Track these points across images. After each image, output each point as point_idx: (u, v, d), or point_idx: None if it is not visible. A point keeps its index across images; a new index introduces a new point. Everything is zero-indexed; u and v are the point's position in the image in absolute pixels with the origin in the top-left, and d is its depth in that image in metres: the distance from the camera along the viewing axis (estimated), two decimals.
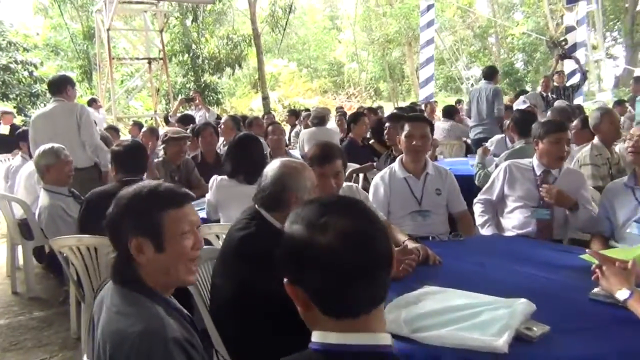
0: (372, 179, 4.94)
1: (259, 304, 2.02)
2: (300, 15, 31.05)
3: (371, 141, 5.90)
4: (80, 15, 16.96)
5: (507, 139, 5.84)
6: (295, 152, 7.19)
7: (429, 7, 15.58)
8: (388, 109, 16.60)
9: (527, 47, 28.66)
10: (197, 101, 9.20)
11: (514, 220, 3.22)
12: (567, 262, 2.32)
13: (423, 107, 10.56)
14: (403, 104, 24.86)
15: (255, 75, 21.28)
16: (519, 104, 7.16)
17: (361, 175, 5.12)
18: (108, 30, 10.58)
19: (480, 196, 3.43)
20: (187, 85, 15.30)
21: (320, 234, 0.96)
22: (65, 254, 2.95)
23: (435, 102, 13.58)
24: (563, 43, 11.56)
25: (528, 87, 31.42)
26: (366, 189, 3.64)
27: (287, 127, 9.35)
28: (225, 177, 3.33)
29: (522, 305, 1.73)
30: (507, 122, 6.13)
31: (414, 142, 3.13)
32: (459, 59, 20.97)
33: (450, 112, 8.13)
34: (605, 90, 12.00)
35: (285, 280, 1.03)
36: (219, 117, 10.43)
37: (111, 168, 3.32)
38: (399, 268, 2.14)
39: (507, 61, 29.31)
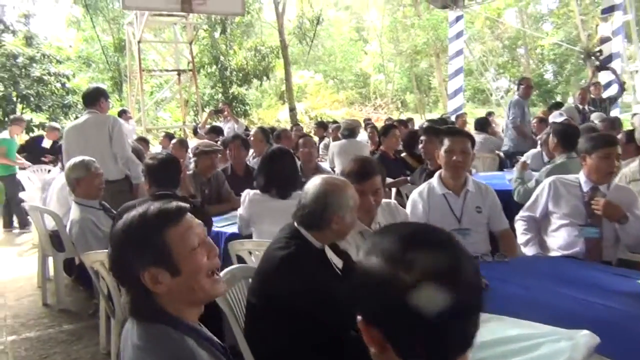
0: (405, 193, 4.86)
1: (297, 326, 1.93)
2: (326, 27, 31.11)
3: (403, 154, 5.78)
4: (111, 28, 17.29)
5: (544, 154, 5.68)
6: (325, 165, 7.13)
7: (458, 19, 15.39)
8: (415, 120, 16.44)
9: (557, 58, 28.17)
10: (226, 113, 9.21)
11: (559, 240, 3.06)
12: (624, 288, 2.16)
13: (453, 119, 10.37)
14: (430, 115, 24.67)
15: (282, 86, 21.38)
16: (556, 117, 6.95)
17: (393, 190, 5.01)
18: (139, 42, 10.71)
19: (522, 213, 3.28)
20: (215, 97, 15.41)
21: (404, 271, 0.84)
22: (96, 269, 2.92)
23: (465, 113, 13.38)
24: (598, 54, 11.29)
25: (558, 99, 30.99)
26: (400, 204, 3.52)
27: (314, 139, 9.26)
28: (257, 191, 3.26)
29: (584, 338, 1.59)
30: (542, 135, 5.96)
31: (454, 158, 3.00)
32: (487, 70, 20.69)
33: (483, 125, 7.98)
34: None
35: (358, 318, 0.91)
36: (247, 129, 10.45)
37: (145, 181, 3.27)
38: None
39: (536, 72, 28.81)
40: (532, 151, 6.00)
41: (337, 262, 2.19)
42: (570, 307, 1.97)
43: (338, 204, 2.04)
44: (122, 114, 10.69)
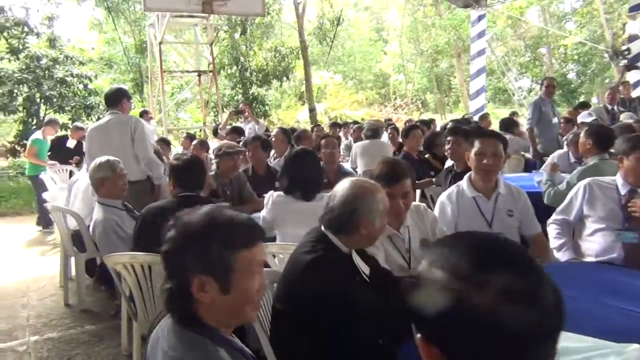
0: (430, 195, 4.76)
1: (322, 333, 1.86)
2: (346, 28, 31.04)
3: (426, 155, 5.68)
4: (132, 30, 17.43)
5: (570, 154, 5.54)
6: (346, 166, 7.04)
7: (480, 18, 15.17)
8: (437, 121, 16.24)
9: (581, 58, 27.66)
10: (247, 113, 9.19)
11: (595, 245, 2.93)
12: None
13: (476, 119, 10.20)
14: (450, 116, 24.42)
15: (301, 87, 21.34)
16: (584, 117, 6.79)
17: (417, 192, 4.91)
18: (160, 43, 10.76)
19: (555, 216, 3.16)
20: (236, 98, 15.41)
21: (477, 291, 0.76)
22: (118, 270, 2.88)
23: (488, 114, 13.19)
24: (626, 53, 11.01)
25: (582, 99, 30.42)
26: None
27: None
28: (281, 193, 3.19)
29: (636, 352, 1.49)
30: (568, 135, 5.82)
31: (484, 161, 2.90)
32: (509, 70, 20.38)
33: (508, 125, 7.82)
34: None
35: (418, 335, 0.85)
36: (267, 130, 10.41)
37: (169, 182, 3.23)
38: None
39: (559, 72, 28.33)
40: (559, 152, 5.87)
41: (364, 268, 2.11)
42: (617, 319, 1.87)
43: (367, 208, 1.96)
44: (144, 114, 10.72)
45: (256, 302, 1.36)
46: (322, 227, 2.05)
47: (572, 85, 28.38)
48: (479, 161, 2.92)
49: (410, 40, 27.89)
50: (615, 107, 8.35)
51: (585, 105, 9.62)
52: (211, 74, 11.86)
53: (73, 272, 4.93)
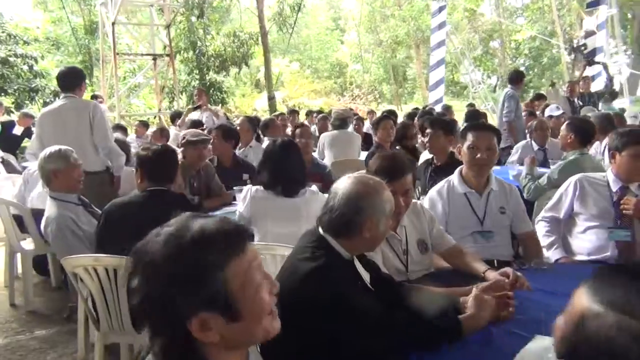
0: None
1: (323, 346, 1.65)
2: (303, 15, 30.63)
3: (397, 147, 5.52)
4: (82, 9, 16.48)
5: (534, 143, 5.56)
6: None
7: (441, 9, 15.22)
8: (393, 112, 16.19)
9: (532, 52, 28.36)
10: (202, 104, 8.74)
11: (586, 243, 2.84)
12: None
13: (439, 110, 10.16)
14: (406, 107, 24.49)
15: (257, 74, 20.86)
16: (553, 110, 6.82)
17: None
18: (113, 24, 10.13)
19: (545, 213, 3.05)
20: (192, 84, 14.83)
21: None
22: (77, 273, 2.56)
23: (450, 106, 13.26)
24: (582, 48, 11.25)
25: (532, 93, 31.27)
26: None
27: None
28: (260, 187, 2.94)
29: None
30: (531, 124, 5.83)
31: (478, 155, 2.74)
32: (462, 63, 20.60)
33: (475, 117, 7.75)
34: (622, 97, 11.63)
35: None
36: (227, 118, 10.03)
37: (136, 174, 2.91)
38: (501, 312, 1.76)
39: (512, 66, 28.97)
40: (521, 143, 5.88)
41: (364, 273, 1.90)
42: None
43: (372, 208, 1.74)
44: (94, 99, 10.14)
45: (273, 310, 1.10)
46: (321, 230, 1.81)
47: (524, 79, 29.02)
48: (472, 155, 2.76)
49: (368, 30, 27.80)
50: (576, 100, 8.49)
51: (541, 97, 9.76)
52: (167, 57, 11.32)
53: (20, 270, 4.55)
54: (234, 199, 4.06)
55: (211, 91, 14.50)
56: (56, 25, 17.43)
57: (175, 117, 8.50)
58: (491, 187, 2.82)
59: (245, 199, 2.94)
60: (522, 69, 30.96)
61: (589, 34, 11.53)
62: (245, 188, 2.99)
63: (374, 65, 28.64)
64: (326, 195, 1.84)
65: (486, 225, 2.78)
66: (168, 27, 11.17)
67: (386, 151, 2.51)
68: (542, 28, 26.58)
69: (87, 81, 14.30)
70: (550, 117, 6.66)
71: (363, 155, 6.40)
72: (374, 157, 2.23)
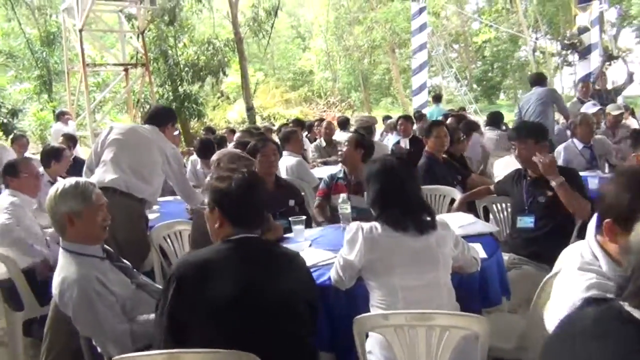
0: (484, 206, 3.85)
1: None
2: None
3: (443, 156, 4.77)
4: (36, 19, 15.09)
5: (576, 141, 5.01)
6: (334, 168, 6.05)
7: (421, 10, 14.67)
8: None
9: (500, 54, 28.36)
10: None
11: None
12: None
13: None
14: (377, 112, 23.85)
15: (221, 85, 19.77)
16: (589, 107, 6.29)
17: (458, 202, 3.93)
18: (81, 31, 9.01)
19: None
20: (165, 96, 13.70)
21: None
22: None
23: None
24: (578, 44, 10.91)
25: (503, 95, 31.45)
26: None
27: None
28: (377, 225, 2.10)
29: None
30: (572, 123, 5.28)
31: None
32: (449, 66, 20.23)
33: (497, 120, 7.18)
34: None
35: None
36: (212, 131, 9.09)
37: (210, 215, 2.02)
38: None
39: (481, 69, 29.02)
40: (562, 145, 5.30)
41: None
42: None
43: None
44: (61, 116, 9.05)
45: None
46: (621, 302, 1.04)
47: (492, 82, 29.11)
48: None
49: (334, 36, 27.19)
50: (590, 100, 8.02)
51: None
52: (142, 67, 10.23)
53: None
54: (285, 231, 3.25)
55: (186, 104, 13.43)
56: (6, 38, 15.93)
57: None
58: None
59: (355, 242, 2.09)
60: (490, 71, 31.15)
61: (583, 30, 11.19)
62: (352, 227, 2.14)
63: (341, 72, 28.01)
64: None
65: None
66: (142, 33, 10.11)
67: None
68: (509, 27, 26.58)
69: (46, 97, 12.89)
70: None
71: None
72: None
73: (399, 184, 2.14)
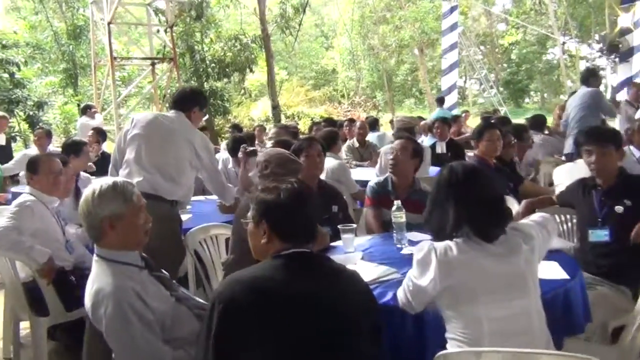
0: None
1: None
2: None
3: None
4: (64, 12, 15.05)
5: (633, 149, 4.63)
6: (364, 172, 5.79)
7: (452, 9, 14.34)
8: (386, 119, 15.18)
9: (526, 57, 27.80)
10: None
11: None
12: None
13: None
14: (401, 113, 23.51)
15: (246, 82, 19.57)
16: None
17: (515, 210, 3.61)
18: (109, 24, 8.86)
19: None
20: None
21: None
22: None
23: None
24: (620, 46, 10.49)
25: (527, 98, 30.85)
26: None
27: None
28: (451, 244, 1.82)
29: None
30: (630, 129, 4.90)
31: None
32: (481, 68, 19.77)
33: (540, 123, 6.83)
34: None
35: None
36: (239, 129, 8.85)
37: (254, 229, 1.79)
38: None
39: (509, 71, 28.45)
40: None
41: None
42: None
43: None
44: (87, 109, 8.92)
45: None
46: None
47: (520, 85, 28.55)
48: None
49: (359, 35, 26.89)
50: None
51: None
52: (169, 62, 10.05)
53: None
54: (331, 239, 2.99)
55: (212, 100, 13.22)
56: (34, 31, 15.94)
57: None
58: None
59: (428, 263, 1.81)
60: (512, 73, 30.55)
61: (625, 31, 10.73)
62: (423, 247, 1.85)
63: (366, 71, 27.69)
64: None
65: None
66: (171, 27, 9.93)
67: None
68: (536, 32, 26.03)
69: (71, 91, 12.76)
70: None
71: (433, 170, 5.37)
72: None
73: (480, 196, 1.86)
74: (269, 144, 4.23)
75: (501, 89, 28.08)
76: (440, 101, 12.13)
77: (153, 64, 10.26)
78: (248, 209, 2.69)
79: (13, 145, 11.33)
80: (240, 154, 4.28)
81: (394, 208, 2.91)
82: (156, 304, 2.02)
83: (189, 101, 3.47)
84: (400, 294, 1.95)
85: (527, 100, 30.50)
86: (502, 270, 1.77)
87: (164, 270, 2.28)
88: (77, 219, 3.46)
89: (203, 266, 3.16)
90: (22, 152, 6.84)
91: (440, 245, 1.83)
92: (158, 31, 10.63)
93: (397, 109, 29.54)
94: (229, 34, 14.63)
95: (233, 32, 14.74)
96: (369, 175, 5.66)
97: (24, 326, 3.45)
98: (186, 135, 3.36)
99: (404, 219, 2.87)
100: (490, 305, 1.74)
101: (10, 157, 6.58)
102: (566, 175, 3.80)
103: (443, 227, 1.90)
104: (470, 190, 1.88)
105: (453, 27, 14.40)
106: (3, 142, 6.44)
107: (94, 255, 2.09)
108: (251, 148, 4.23)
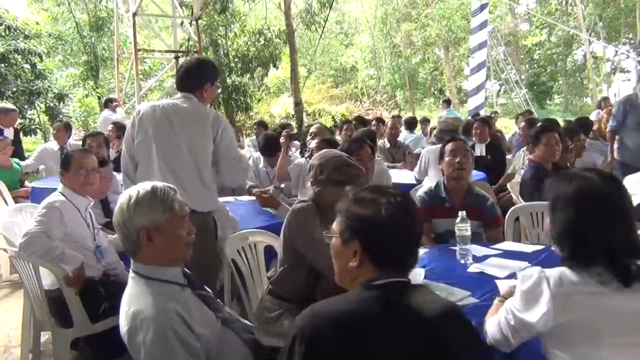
0: None
1: None
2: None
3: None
4: (87, 4, 14.92)
5: None
6: (404, 174, 5.54)
7: (483, 7, 13.90)
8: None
9: (551, 58, 27.18)
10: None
11: None
12: None
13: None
14: (420, 113, 23.08)
15: (265, 77, 19.32)
16: None
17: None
18: (134, 15, 8.64)
19: None
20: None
21: None
22: None
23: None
24: None
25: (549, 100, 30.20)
26: None
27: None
28: (567, 272, 1.50)
29: None
30: None
31: None
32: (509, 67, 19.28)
33: (584, 127, 6.42)
34: None
35: None
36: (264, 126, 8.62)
37: (342, 248, 1.49)
38: None
39: (532, 72, 27.84)
40: None
41: None
42: None
43: None
44: (109, 102, 8.71)
45: None
46: None
47: (544, 87, 27.96)
48: None
49: (382, 33, 26.50)
50: None
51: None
52: (194, 55, 9.80)
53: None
54: None
55: (234, 95, 12.97)
56: (55, 22, 15.84)
57: None
58: None
59: (535, 298, 1.49)
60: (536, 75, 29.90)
61: None
62: (531, 274, 1.52)
63: (387, 70, 27.27)
64: None
65: None
66: (197, 20, 9.68)
67: None
68: (565, 32, 25.40)
69: (92, 84, 12.51)
70: None
71: (474, 175, 5.04)
72: None
73: (609, 216, 1.52)
74: (312, 143, 3.93)
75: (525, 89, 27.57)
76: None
77: (177, 57, 10.01)
78: (305, 215, 2.39)
79: (32, 138, 11.22)
80: (282, 138, 4.34)
81: (458, 220, 2.60)
82: (202, 330, 1.74)
83: (197, 77, 2.95)
84: (493, 328, 1.64)
85: (548, 101, 29.85)
86: (634, 308, 1.45)
87: (206, 287, 2.00)
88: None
89: (241, 277, 2.86)
90: (42, 146, 6.61)
91: (553, 273, 1.51)
92: (182, 24, 10.42)
93: (417, 108, 29.13)
94: (253, 28, 14.34)
95: (257, 26, 14.44)
96: (406, 177, 5.36)
97: (44, 333, 3.23)
98: (202, 125, 2.88)
99: (469, 232, 2.57)
100: (615, 350, 1.43)
101: (19, 152, 6.36)
102: (638, 184, 3.45)
103: (560, 246, 1.58)
104: (595, 212, 1.54)
105: (482, 25, 13.97)
106: (11, 137, 6.18)
107: (130, 270, 1.81)
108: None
